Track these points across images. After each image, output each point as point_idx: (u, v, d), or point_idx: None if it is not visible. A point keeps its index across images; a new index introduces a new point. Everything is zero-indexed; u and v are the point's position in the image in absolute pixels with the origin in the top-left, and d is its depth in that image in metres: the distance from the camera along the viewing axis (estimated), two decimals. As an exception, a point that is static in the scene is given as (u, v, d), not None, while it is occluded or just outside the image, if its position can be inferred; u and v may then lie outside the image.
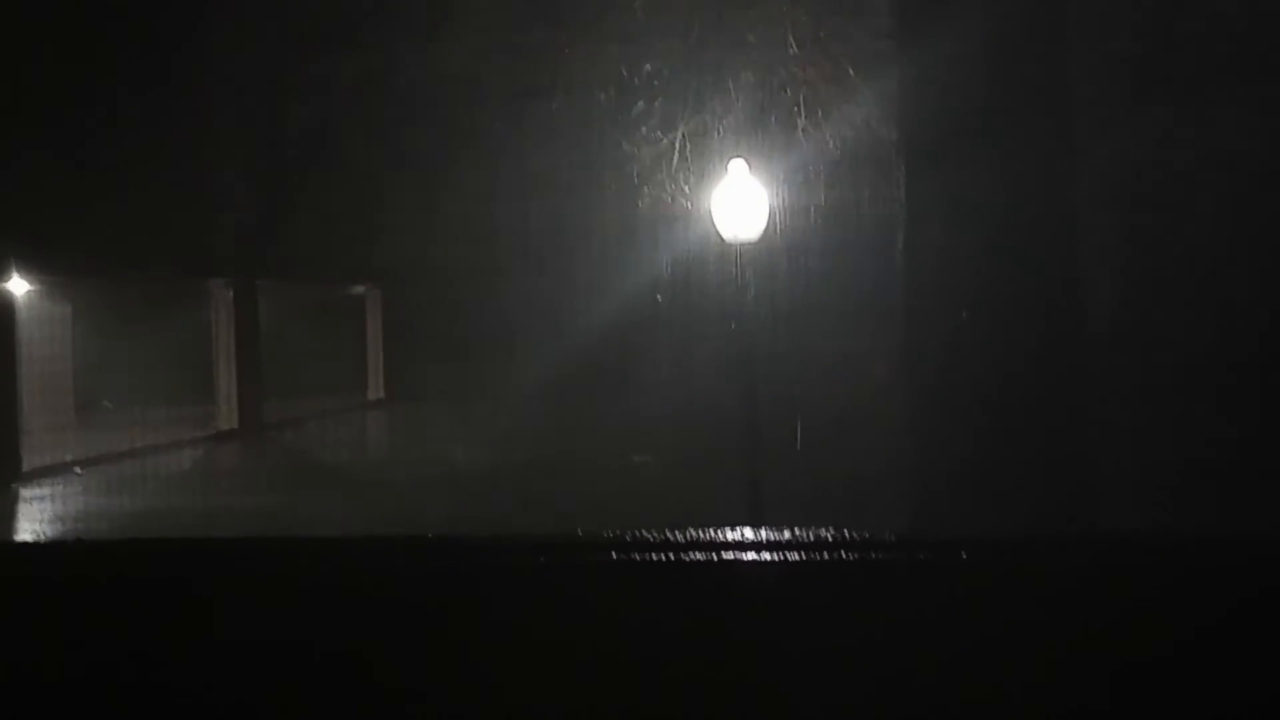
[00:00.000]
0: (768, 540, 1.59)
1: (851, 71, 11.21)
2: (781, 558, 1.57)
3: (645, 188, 12.15)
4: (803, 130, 11.55)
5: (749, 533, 1.61)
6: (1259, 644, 1.46)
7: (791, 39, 11.28)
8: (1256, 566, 1.54)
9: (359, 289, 20.12)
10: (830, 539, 1.59)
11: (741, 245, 8.43)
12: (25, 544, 8.30)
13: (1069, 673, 1.48)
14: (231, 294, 17.17)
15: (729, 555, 1.58)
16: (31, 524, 11.30)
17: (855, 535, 1.59)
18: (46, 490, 12.59)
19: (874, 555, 1.57)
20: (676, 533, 1.60)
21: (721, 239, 8.65)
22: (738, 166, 8.41)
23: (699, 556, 1.57)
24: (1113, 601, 1.50)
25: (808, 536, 1.59)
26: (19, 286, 13.91)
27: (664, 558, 1.57)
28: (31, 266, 13.86)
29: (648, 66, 11.83)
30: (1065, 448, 6.95)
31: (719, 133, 11.92)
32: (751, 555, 1.58)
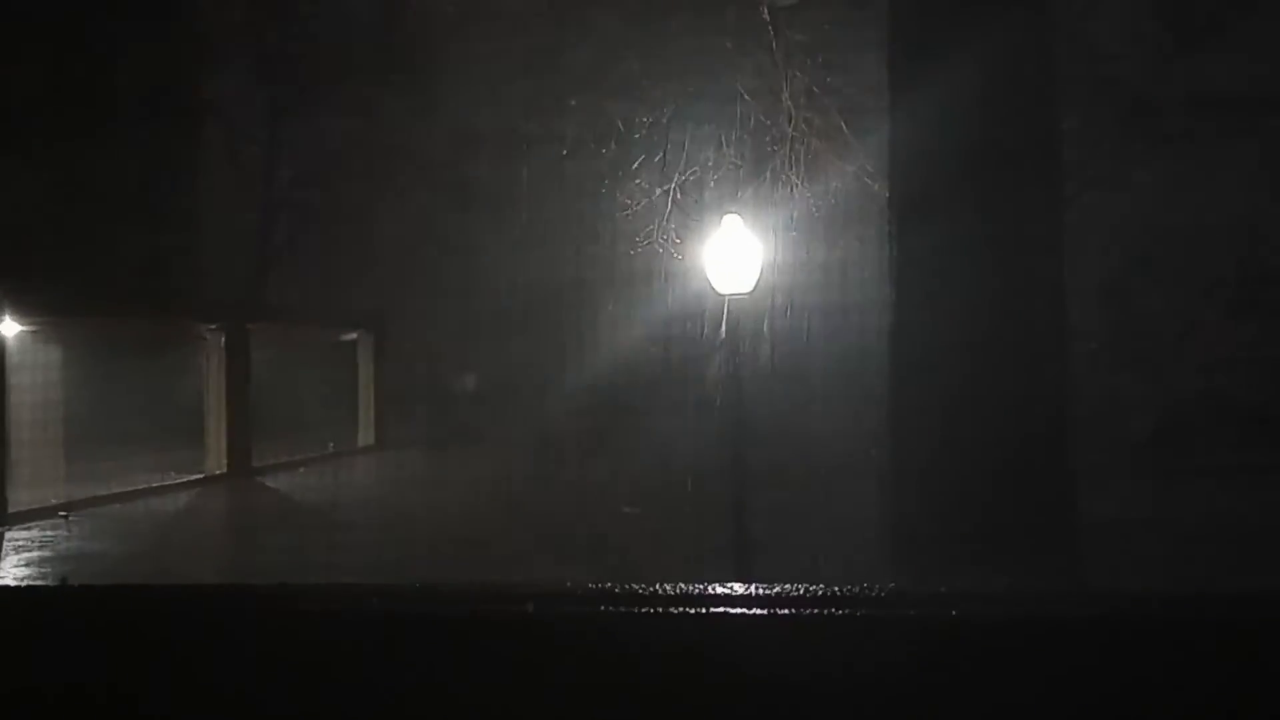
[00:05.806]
0: (756, 595, 1.59)
1: (844, 127, 11.34)
2: (770, 613, 1.57)
3: (639, 240, 12.22)
4: (795, 184, 11.65)
5: (738, 587, 1.61)
6: (1262, 703, 1.45)
7: (785, 94, 11.42)
8: (1260, 623, 1.53)
9: (351, 335, 20.11)
10: (819, 594, 1.58)
11: (734, 298, 8.46)
12: (7, 588, 8.22)
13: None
14: (223, 338, 17.15)
15: (717, 610, 1.57)
16: (15, 568, 11.20)
17: (843, 590, 1.59)
18: (32, 534, 12.50)
19: (862, 611, 1.57)
20: (665, 586, 1.59)
21: (715, 291, 8.68)
22: (731, 220, 8.46)
23: (688, 610, 1.56)
24: (1108, 659, 1.50)
25: (796, 592, 1.58)
26: (10, 328, 13.86)
27: (651, 611, 1.56)
28: (22, 308, 13.83)
29: (644, 120, 11.96)
30: (1055, 498, 6.95)
31: (713, 185, 12.02)
32: (740, 610, 1.57)
